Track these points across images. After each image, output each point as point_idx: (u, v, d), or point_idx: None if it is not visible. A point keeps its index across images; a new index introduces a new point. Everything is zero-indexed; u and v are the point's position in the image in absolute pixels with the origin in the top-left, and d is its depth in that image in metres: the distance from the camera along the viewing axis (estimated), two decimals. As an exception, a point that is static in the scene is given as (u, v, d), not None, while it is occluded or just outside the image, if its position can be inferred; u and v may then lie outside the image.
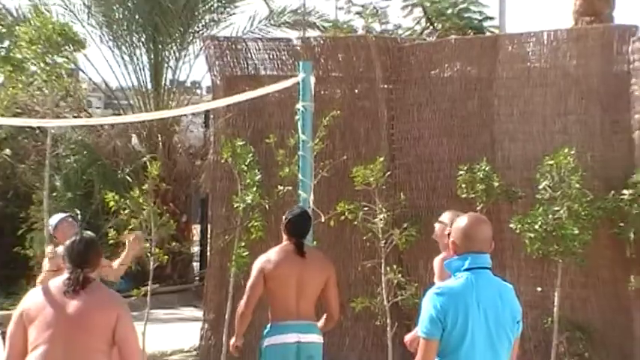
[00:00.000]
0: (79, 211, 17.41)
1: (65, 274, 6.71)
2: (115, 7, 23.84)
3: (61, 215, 11.71)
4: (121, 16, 23.93)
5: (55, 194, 16.05)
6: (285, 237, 9.23)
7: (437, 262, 9.00)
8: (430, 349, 6.05)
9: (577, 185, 12.41)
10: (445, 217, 8.74)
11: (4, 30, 15.68)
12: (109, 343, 6.70)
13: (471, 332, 6.02)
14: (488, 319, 6.10)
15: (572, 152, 12.49)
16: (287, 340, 8.83)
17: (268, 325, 8.98)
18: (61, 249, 8.37)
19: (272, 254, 9.13)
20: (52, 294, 6.64)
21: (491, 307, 6.14)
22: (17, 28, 15.92)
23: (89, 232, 7.34)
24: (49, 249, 11.77)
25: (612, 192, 12.72)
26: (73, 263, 6.67)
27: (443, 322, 6.01)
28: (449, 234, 6.44)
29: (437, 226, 8.93)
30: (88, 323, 6.60)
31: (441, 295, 6.11)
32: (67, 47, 15.78)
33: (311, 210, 11.33)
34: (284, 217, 9.32)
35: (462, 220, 6.35)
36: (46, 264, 11.17)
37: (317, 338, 9.02)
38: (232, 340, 9.38)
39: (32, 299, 6.71)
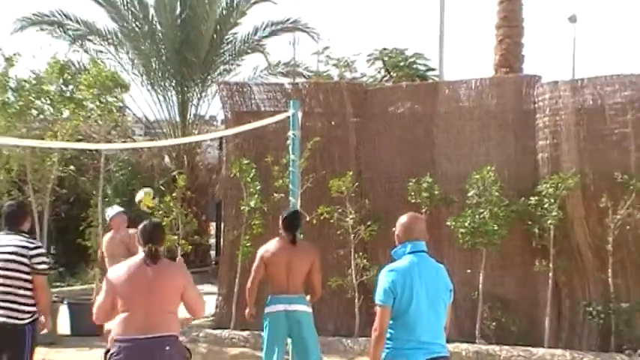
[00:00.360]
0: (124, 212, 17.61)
1: (140, 253, 6.75)
2: (152, 60, 23.81)
3: (118, 209, 11.96)
4: (156, 66, 23.96)
5: (106, 200, 16.08)
6: (282, 231, 9.34)
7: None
8: (385, 314, 6.20)
9: (496, 193, 12.69)
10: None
11: (69, 77, 15.59)
12: (177, 306, 6.82)
13: (415, 298, 6.22)
14: (428, 289, 6.31)
15: (493, 169, 12.77)
16: (278, 308, 9.01)
17: (269, 297, 9.17)
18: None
19: (270, 245, 9.29)
20: (132, 268, 6.66)
21: (430, 279, 6.37)
22: (79, 75, 15.90)
23: (156, 218, 7.51)
24: (106, 237, 12.13)
25: (522, 198, 12.91)
26: (146, 241, 6.71)
27: (394, 293, 6.21)
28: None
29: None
30: (163, 286, 6.68)
31: (391, 272, 6.32)
32: (115, 90, 15.76)
33: (299, 208, 11.73)
34: (281, 216, 9.45)
35: (403, 218, 6.61)
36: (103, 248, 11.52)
37: (303, 308, 9.13)
38: (247, 310, 9.47)
39: (116, 275, 6.72)
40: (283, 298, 9.09)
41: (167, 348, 6.58)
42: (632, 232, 12.61)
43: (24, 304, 7.71)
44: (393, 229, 6.86)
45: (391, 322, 6.30)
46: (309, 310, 9.32)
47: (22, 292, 7.72)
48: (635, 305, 12.56)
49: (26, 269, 7.70)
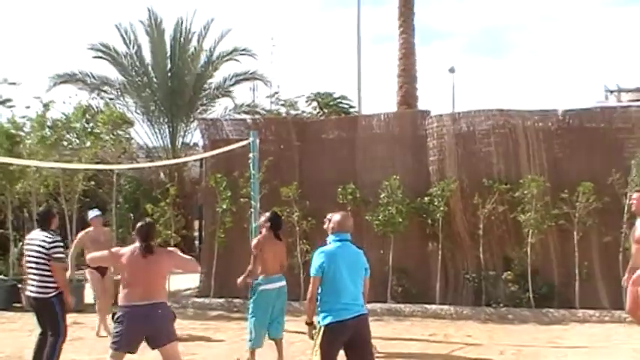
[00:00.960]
0: (131, 214, 17.44)
1: (136, 244, 6.71)
2: (149, 103, 23.61)
3: (96, 212, 11.62)
4: (153, 108, 23.71)
5: (118, 206, 16.00)
6: (266, 230, 8.99)
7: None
8: (315, 282, 6.25)
9: (400, 195, 12.80)
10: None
11: (90, 117, 15.54)
12: (165, 280, 6.93)
13: (339, 272, 6.25)
14: (348, 266, 6.34)
15: (397, 177, 12.88)
16: (274, 286, 8.77)
17: (261, 277, 8.73)
18: None
19: (264, 239, 8.90)
20: (132, 256, 6.65)
21: (350, 259, 6.41)
22: (97, 115, 15.90)
23: (149, 219, 7.45)
24: (84, 231, 11.59)
25: (419, 198, 13.01)
26: (142, 238, 6.69)
27: (322, 268, 6.25)
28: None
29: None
30: (158, 269, 6.74)
31: (321, 253, 6.37)
32: (124, 125, 15.80)
33: (257, 212, 11.66)
34: (264, 219, 9.10)
35: (336, 216, 6.60)
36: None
37: (284, 283, 8.96)
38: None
39: (121, 257, 6.71)
40: (276, 278, 8.85)
41: (159, 311, 6.63)
42: (495, 221, 12.83)
43: (49, 282, 7.76)
44: (324, 220, 6.96)
45: (323, 289, 6.28)
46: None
47: (46, 273, 7.76)
48: (498, 272, 12.78)
49: (46, 257, 7.76)
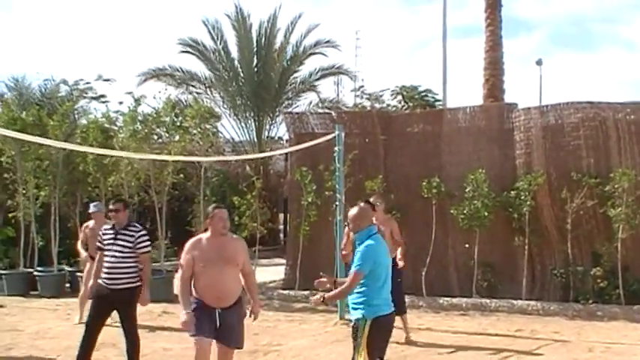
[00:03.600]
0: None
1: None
2: (236, 98, 24.13)
3: (96, 205, 11.46)
4: (239, 102, 24.18)
5: (205, 198, 16.31)
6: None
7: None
8: (360, 278, 5.85)
9: (486, 189, 12.71)
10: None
11: (179, 111, 15.84)
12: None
13: (382, 264, 5.94)
14: (387, 256, 6.05)
15: (483, 171, 12.80)
16: None
17: None
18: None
19: None
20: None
21: (385, 253, 6.05)
22: (185, 110, 16.17)
23: (222, 206, 7.34)
24: (87, 223, 11.56)
25: (505, 192, 12.92)
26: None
27: (373, 263, 5.84)
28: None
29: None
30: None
31: (372, 247, 5.94)
32: (211, 120, 16.06)
33: (342, 205, 11.76)
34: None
35: (357, 209, 6.12)
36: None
37: None
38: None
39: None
40: None
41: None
42: (584, 216, 12.61)
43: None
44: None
45: (368, 283, 5.88)
46: None
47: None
48: (587, 268, 12.56)
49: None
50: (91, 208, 11.42)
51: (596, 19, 72.17)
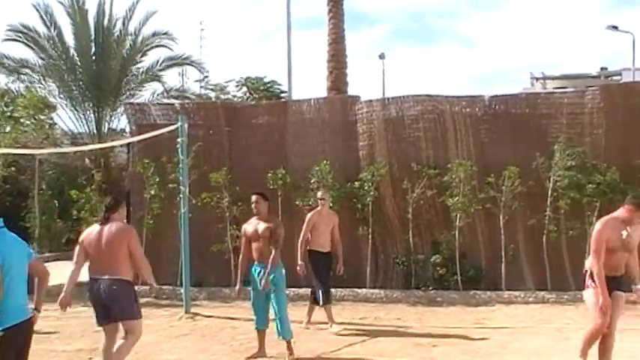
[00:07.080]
0: (56, 201, 17.08)
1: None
2: (74, 87, 23.22)
3: None
4: (77, 92, 23.24)
5: (41, 192, 15.65)
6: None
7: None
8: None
9: (330, 180, 12.91)
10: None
11: (9, 100, 15.13)
12: (126, 255, 7.10)
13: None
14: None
15: (328, 162, 13.01)
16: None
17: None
18: None
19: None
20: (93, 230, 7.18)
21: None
22: (17, 99, 15.52)
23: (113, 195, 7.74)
24: None
25: (349, 183, 13.17)
26: (104, 210, 7.25)
27: None
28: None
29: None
30: (113, 241, 7.08)
31: None
32: (45, 110, 15.48)
33: (187, 197, 11.66)
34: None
35: None
36: None
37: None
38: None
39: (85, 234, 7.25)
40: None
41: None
42: (424, 205, 13.07)
43: None
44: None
45: None
46: None
47: None
48: (427, 256, 13.03)
49: None
50: None
51: (435, 14, 75.48)
